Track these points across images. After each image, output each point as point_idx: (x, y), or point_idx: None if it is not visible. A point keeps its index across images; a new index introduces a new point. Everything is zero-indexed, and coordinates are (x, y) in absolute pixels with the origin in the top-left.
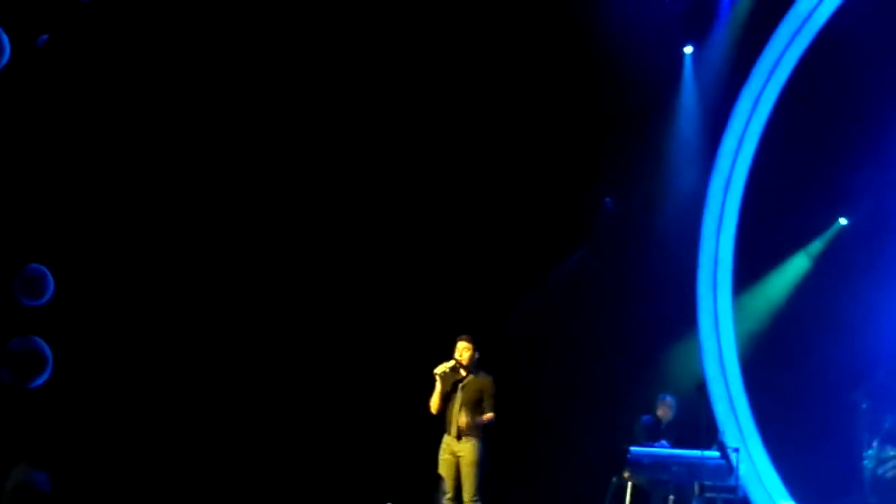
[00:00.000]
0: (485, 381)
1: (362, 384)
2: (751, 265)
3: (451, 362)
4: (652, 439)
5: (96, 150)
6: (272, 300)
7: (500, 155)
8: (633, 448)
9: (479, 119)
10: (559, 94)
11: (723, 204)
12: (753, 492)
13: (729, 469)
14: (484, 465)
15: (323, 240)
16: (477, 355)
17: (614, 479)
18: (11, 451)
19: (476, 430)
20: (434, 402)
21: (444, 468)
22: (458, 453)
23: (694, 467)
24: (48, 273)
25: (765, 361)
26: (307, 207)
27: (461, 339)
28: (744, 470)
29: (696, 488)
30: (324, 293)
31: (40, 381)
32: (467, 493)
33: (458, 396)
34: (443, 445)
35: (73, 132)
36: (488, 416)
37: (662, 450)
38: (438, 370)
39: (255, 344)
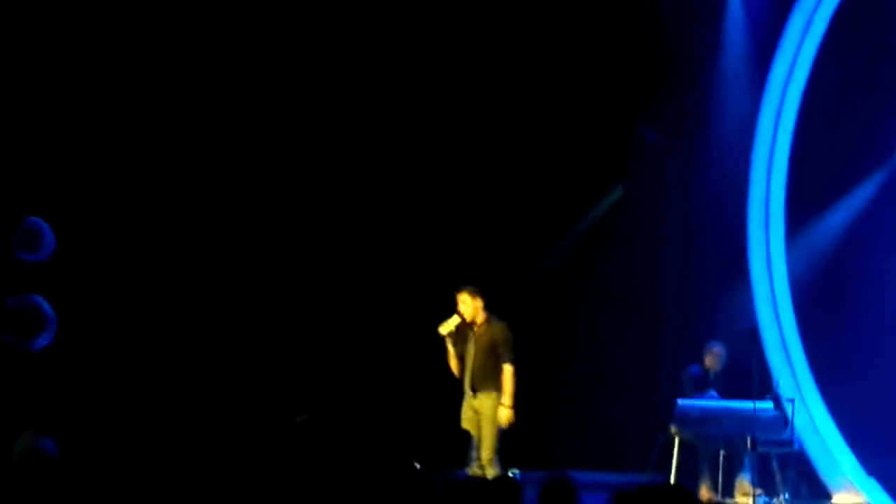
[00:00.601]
0: (496, 328)
1: (387, 342)
2: (805, 201)
3: (455, 319)
4: (700, 391)
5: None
6: (282, 254)
7: (531, 91)
8: (679, 401)
9: (510, 52)
10: (597, 24)
11: (774, 136)
12: (810, 445)
13: (784, 422)
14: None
15: (335, 183)
16: (481, 303)
17: (660, 435)
18: (17, 417)
19: (491, 382)
20: (452, 365)
21: (467, 425)
22: (477, 409)
23: (746, 420)
24: (47, 227)
25: (821, 306)
26: (310, 154)
27: (458, 293)
28: (799, 422)
29: (749, 442)
30: (338, 243)
31: (42, 342)
32: (484, 450)
33: (471, 349)
34: (464, 404)
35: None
36: (506, 370)
37: (711, 402)
38: (442, 329)
39: (266, 304)
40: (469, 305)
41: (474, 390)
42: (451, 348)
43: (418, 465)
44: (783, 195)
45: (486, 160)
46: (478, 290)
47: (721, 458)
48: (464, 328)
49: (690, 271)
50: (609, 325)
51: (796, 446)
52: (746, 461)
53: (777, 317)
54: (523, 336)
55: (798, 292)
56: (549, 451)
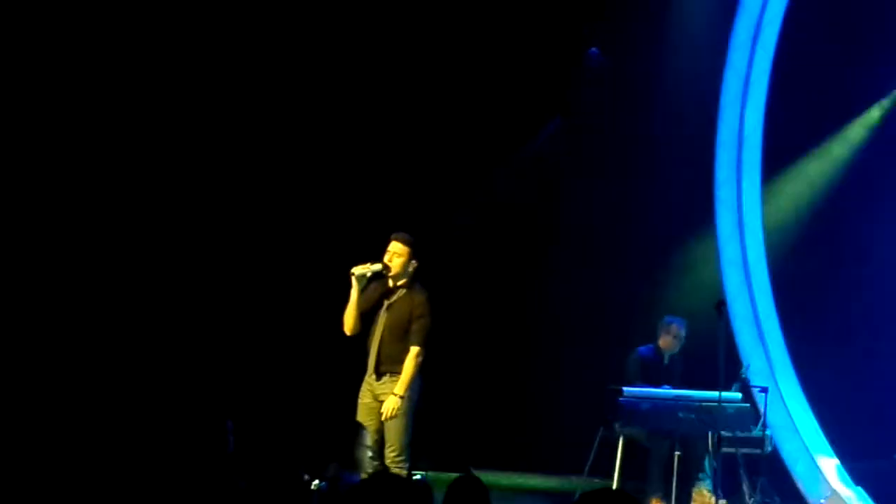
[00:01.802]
0: (416, 299)
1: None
2: (785, 143)
3: (377, 265)
4: (651, 378)
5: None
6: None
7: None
8: (625, 389)
9: None
10: None
11: (749, 63)
12: (785, 445)
13: (754, 415)
14: (414, 412)
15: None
16: (414, 264)
17: (601, 431)
18: None
19: (402, 363)
20: (347, 316)
21: (363, 414)
22: (380, 397)
23: (708, 414)
24: None
25: (803, 274)
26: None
27: (393, 239)
28: (773, 417)
29: (710, 442)
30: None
31: None
32: (389, 448)
33: (382, 318)
34: (363, 386)
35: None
36: (412, 352)
37: (665, 391)
38: (357, 270)
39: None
40: (400, 259)
41: (379, 372)
42: (355, 294)
43: (307, 476)
44: (759, 136)
45: (412, 85)
46: (414, 244)
47: (676, 460)
48: (377, 291)
49: (642, 227)
50: (544, 293)
51: (769, 447)
52: (707, 465)
53: (749, 286)
54: (440, 298)
55: (775, 256)
56: (465, 451)
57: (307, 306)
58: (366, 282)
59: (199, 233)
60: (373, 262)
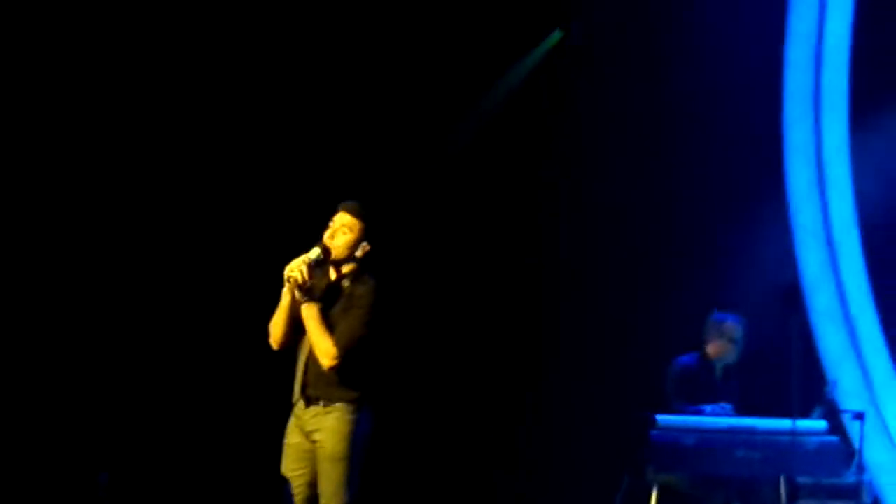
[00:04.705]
0: (362, 289)
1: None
2: (885, 62)
3: (314, 251)
4: (698, 400)
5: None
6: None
7: None
8: (660, 418)
9: None
10: None
11: None
12: (892, 493)
13: (845, 452)
14: (359, 455)
15: None
16: (365, 246)
17: (626, 480)
18: None
19: (342, 387)
20: (275, 324)
21: (291, 460)
22: (313, 435)
23: (778, 451)
24: None
25: None
26: None
27: (341, 209)
28: (873, 453)
29: (784, 490)
30: None
31: None
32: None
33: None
34: (290, 421)
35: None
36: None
37: (717, 419)
38: (291, 268)
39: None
40: (346, 236)
41: (308, 397)
42: (286, 297)
43: None
44: (846, 54)
45: None
46: (368, 219)
47: None
48: (317, 287)
49: (681, 189)
50: (547, 285)
51: (868, 499)
52: None
53: (834, 267)
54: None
55: (871, 228)
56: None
57: (222, 311)
58: (304, 282)
59: None
60: (307, 250)
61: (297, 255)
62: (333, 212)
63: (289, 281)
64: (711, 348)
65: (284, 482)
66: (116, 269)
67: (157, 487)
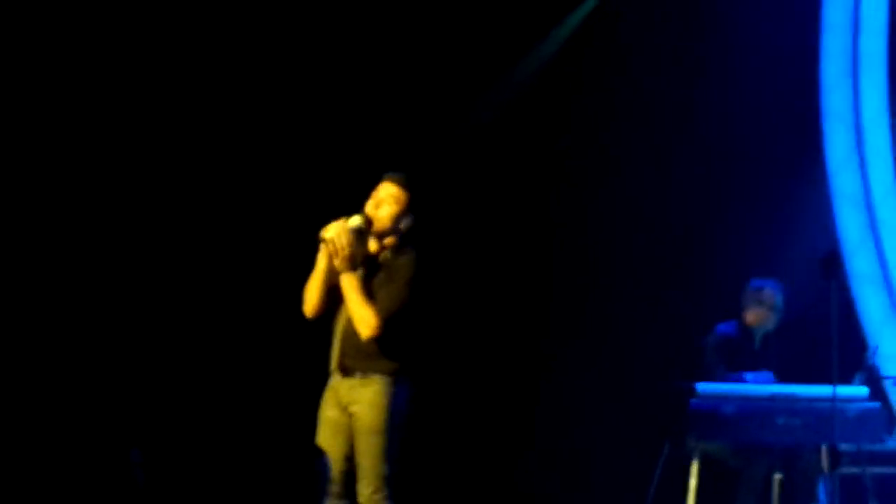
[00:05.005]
0: (401, 261)
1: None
2: None
3: (356, 219)
4: (738, 367)
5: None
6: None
7: None
8: (700, 386)
9: None
10: None
11: None
12: None
13: (888, 419)
14: (398, 428)
15: None
16: (408, 220)
17: (666, 449)
18: None
19: (381, 359)
20: (310, 290)
21: (327, 433)
22: (350, 406)
23: (820, 418)
24: None
25: None
26: None
27: (388, 179)
28: None
29: (825, 458)
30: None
31: None
32: (363, 483)
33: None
34: (326, 393)
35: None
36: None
37: (758, 387)
38: (328, 230)
39: None
40: (391, 208)
41: (345, 368)
42: (322, 261)
43: None
44: (884, 17)
45: None
46: (412, 191)
47: (776, 486)
48: (351, 241)
49: (720, 157)
50: (581, 252)
51: None
52: (821, 490)
53: (874, 232)
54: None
55: None
56: (471, 486)
57: (256, 280)
58: (343, 250)
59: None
60: (347, 216)
61: (330, 220)
62: (363, 177)
63: (324, 242)
64: (750, 316)
65: (319, 455)
66: (149, 238)
67: (191, 463)
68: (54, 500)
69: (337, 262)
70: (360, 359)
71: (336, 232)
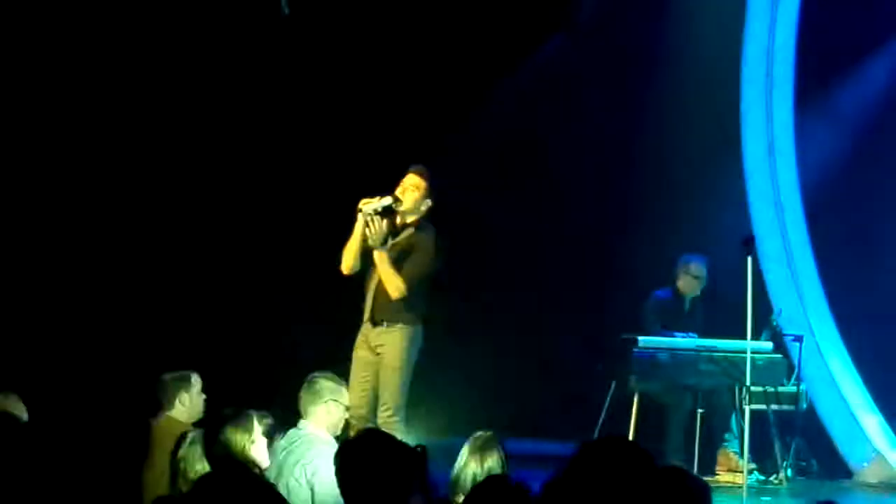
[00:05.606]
0: (423, 237)
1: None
2: (826, 55)
3: (388, 199)
4: (671, 325)
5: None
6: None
7: None
8: (640, 339)
9: None
10: None
11: None
12: (823, 401)
13: (787, 367)
14: (412, 365)
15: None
16: (429, 203)
17: (613, 388)
18: None
19: (403, 312)
20: (347, 252)
21: (358, 368)
22: (378, 349)
23: (734, 365)
24: None
25: (844, 205)
26: None
27: (411, 171)
28: (810, 369)
29: (738, 398)
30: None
31: None
32: (383, 408)
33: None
34: (359, 337)
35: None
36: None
37: (686, 340)
38: (366, 205)
39: None
40: (414, 193)
41: (375, 320)
42: (359, 228)
43: None
44: (792, 51)
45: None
46: (431, 180)
47: (698, 419)
48: (383, 215)
49: (657, 155)
50: (544, 231)
51: (804, 403)
52: (734, 424)
53: (780, 220)
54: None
55: (812, 187)
56: (468, 415)
57: (297, 245)
58: (374, 218)
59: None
60: (382, 195)
61: (359, 199)
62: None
63: (361, 213)
64: (680, 283)
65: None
66: (192, 208)
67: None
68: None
69: (370, 240)
70: (388, 312)
71: (372, 205)
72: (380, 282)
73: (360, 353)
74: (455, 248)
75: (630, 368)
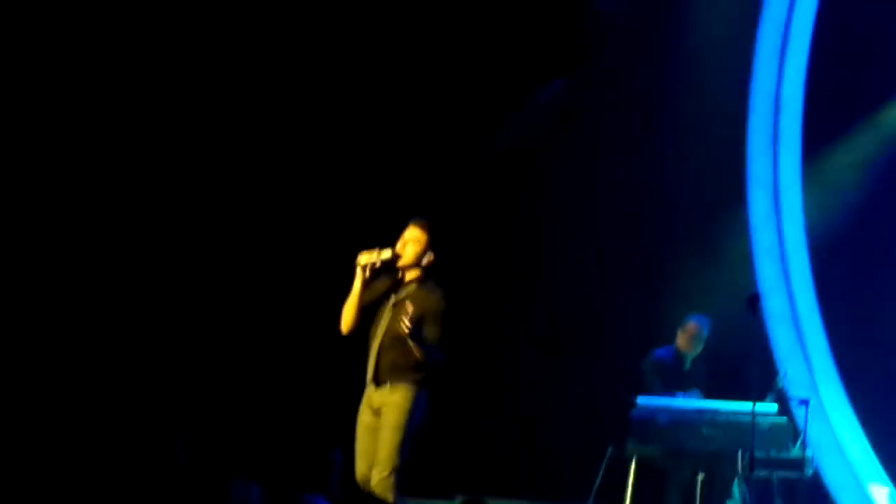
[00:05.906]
0: (431, 296)
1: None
2: (831, 111)
3: (387, 252)
4: (671, 385)
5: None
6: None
7: None
8: (639, 399)
9: None
10: None
11: (789, 10)
12: (829, 467)
13: (792, 432)
14: (413, 426)
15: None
16: (430, 256)
17: (610, 450)
18: None
19: (408, 372)
20: (346, 310)
21: (362, 433)
22: (379, 407)
23: (737, 429)
24: None
25: (852, 267)
26: None
27: (413, 224)
28: (815, 433)
29: (741, 463)
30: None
31: None
32: (378, 465)
33: (386, 317)
34: (362, 402)
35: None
36: (418, 351)
37: (686, 401)
38: (363, 257)
39: None
40: (415, 247)
41: (379, 381)
42: (358, 284)
43: None
44: (800, 102)
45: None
46: (432, 232)
47: (699, 485)
48: (384, 283)
49: (659, 210)
50: (542, 289)
51: (810, 470)
52: (737, 491)
53: (786, 279)
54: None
55: (818, 245)
56: (454, 476)
57: (295, 301)
58: (372, 272)
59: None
60: (381, 248)
61: (360, 249)
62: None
63: (360, 267)
64: (681, 341)
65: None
66: (201, 250)
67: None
68: (99, 480)
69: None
70: (391, 373)
71: (369, 258)
72: (383, 340)
73: (363, 419)
74: (449, 304)
75: (627, 431)
